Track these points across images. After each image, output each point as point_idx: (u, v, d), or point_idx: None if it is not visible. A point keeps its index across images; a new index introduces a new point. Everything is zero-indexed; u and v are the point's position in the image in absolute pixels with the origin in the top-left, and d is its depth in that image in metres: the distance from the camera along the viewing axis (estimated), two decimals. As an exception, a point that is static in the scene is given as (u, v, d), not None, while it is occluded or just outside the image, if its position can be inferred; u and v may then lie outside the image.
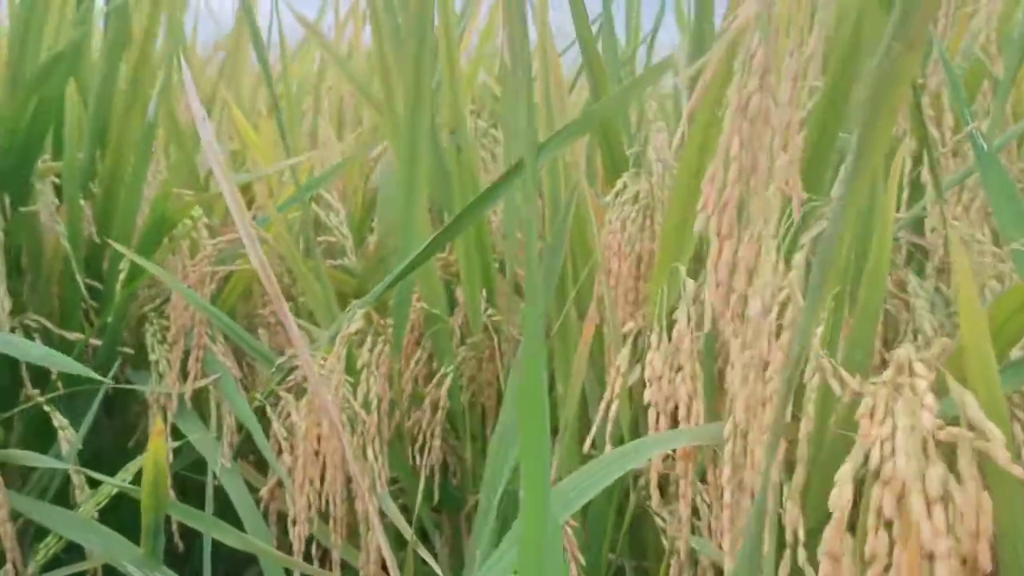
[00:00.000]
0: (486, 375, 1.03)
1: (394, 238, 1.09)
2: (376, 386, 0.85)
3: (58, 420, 0.91)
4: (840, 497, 0.47)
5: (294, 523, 0.84)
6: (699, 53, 1.04)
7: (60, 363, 0.82)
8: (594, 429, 0.66)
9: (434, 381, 0.92)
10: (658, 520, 0.74)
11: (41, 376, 0.98)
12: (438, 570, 0.76)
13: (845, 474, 0.49)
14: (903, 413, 0.51)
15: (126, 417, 1.08)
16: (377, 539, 0.82)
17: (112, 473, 0.89)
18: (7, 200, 0.97)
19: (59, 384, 0.97)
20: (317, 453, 0.82)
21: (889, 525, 0.48)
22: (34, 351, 0.85)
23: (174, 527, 0.94)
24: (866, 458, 0.47)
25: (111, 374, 0.94)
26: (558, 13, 0.92)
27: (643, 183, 0.93)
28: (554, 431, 0.78)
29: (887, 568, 0.48)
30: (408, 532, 0.80)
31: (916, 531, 0.46)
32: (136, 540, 0.82)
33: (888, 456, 0.50)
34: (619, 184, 0.93)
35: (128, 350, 1.04)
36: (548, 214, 0.86)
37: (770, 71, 0.33)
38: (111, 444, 1.06)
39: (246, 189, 1.17)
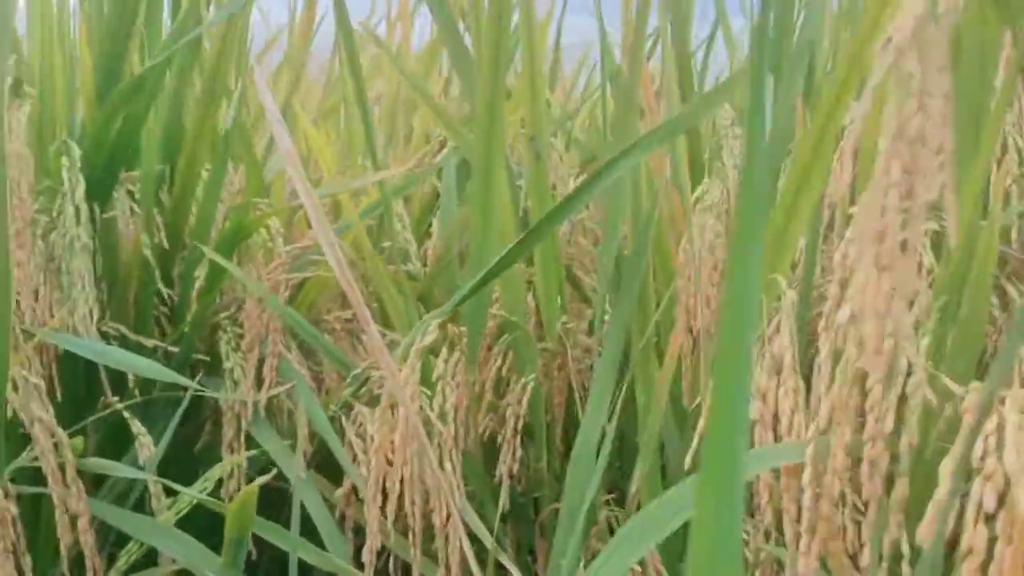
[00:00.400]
0: (556, 382, 1.02)
1: (457, 244, 1.10)
2: (452, 397, 0.84)
3: (136, 427, 0.91)
4: (940, 493, 0.47)
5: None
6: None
7: (150, 370, 0.83)
8: (695, 443, 0.65)
9: (516, 389, 0.92)
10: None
11: (117, 384, 0.99)
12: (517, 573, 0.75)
13: (945, 469, 0.49)
14: (1012, 409, 0.50)
15: (195, 424, 1.08)
16: (458, 550, 0.82)
17: (182, 480, 0.89)
18: (96, 209, 0.98)
19: (136, 392, 0.98)
20: (391, 463, 0.82)
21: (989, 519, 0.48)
22: (133, 360, 0.86)
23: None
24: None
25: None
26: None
27: (721, 190, 0.93)
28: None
29: (985, 564, 0.48)
30: (490, 541, 0.79)
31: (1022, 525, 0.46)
32: (208, 545, 0.82)
33: (992, 451, 0.49)
34: (699, 191, 0.92)
35: (202, 357, 1.04)
36: (631, 221, 0.85)
37: (930, 93, 0.32)
38: (179, 451, 1.07)
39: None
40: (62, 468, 0.81)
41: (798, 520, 0.57)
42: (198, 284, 1.04)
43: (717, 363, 0.43)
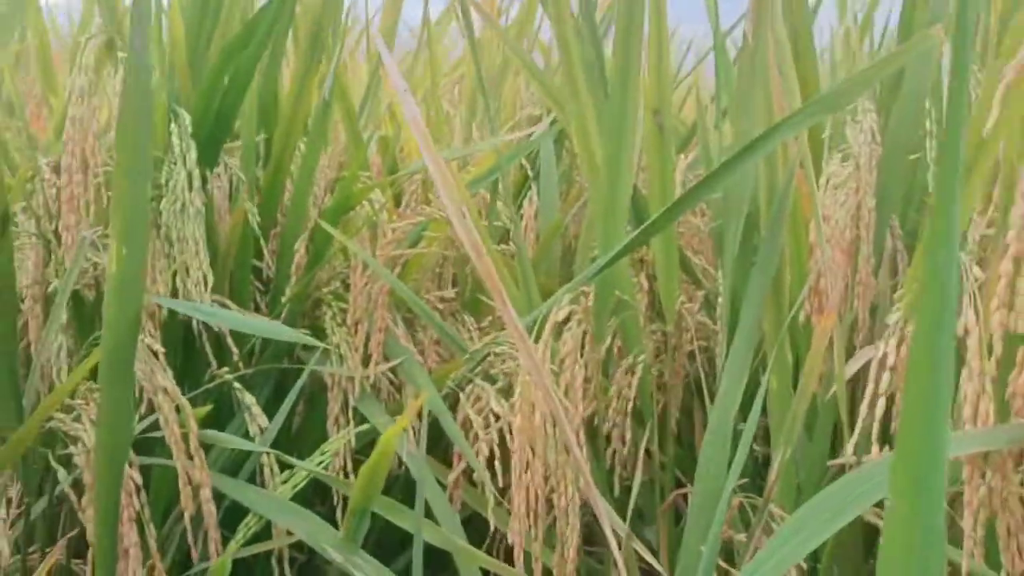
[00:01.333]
0: (668, 365, 1.00)
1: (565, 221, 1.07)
2: (580, 375, 0.82)
3: (248, 399, 0.90)
4: None
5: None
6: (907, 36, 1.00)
7: (280, 332, 0.82)
8: (857, 429, 0.62)
9: (624, 370, 0.90)
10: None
11: (219, 357, 0.98)
12: (658, 566, 0.73)
13: None
14: None
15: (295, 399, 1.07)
16: (577, 535, 0.80)
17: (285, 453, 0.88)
18: (207, 174, 0.96)
19: (239, 365, 0.97)
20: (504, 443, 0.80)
21: None
22: (259, 323, 0.85)
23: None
24: None
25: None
26: None
27: (850, 167, 0.90)
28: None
29: None
30: (623, 528, 0.77)
31: None
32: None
33: None
34: (828, 168, 0.90)
35: (304, 332, 1.02)
36: (764, 201, 0.82)
37: None
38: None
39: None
40: (184, 439, 0.80)
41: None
42: (296, 258, 1.03)
43: (915, 342, 0.41)
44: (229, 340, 0.96)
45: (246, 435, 0.90)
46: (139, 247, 0.62)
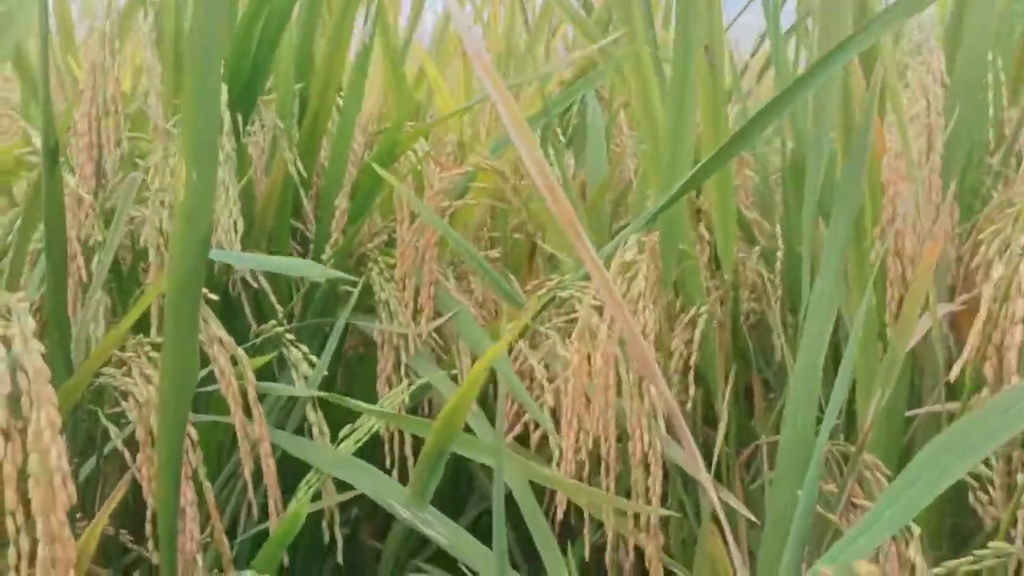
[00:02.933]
0: (721, 318, 0.97)
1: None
2: (652, 318, 0.79)
3: (297, 352, 0.86)
4: None
5: (557, 464, 0.79)
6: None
7: (324, 272, 0.78)
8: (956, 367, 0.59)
9: (685, 323, 0.87)
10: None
11: (262, 313, 0.94)
12: (746, 512, 0.70)
13: None
14: None
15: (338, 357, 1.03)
16: (659, 483, 0.77)
17: (329, 417, 0.85)
18: (240, 120, 0.92)
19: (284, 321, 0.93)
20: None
21: None
22: (301, 264, 0.81)
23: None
24: None
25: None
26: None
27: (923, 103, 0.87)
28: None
29: None
30: (708, 478, 0.73)
31: None
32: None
33: None
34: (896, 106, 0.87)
35: (349, 288, 0.99)
36: (841, 138, 0.79)
37: None
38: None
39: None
40: (242, 393, 0.76)
41: None
42: (337, 214, 0.99)
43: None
44: (272, 298, 0.92)
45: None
46: (209, 172, 0.58)
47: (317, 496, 0.82)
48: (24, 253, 0.67)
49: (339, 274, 0.83)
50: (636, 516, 0.79)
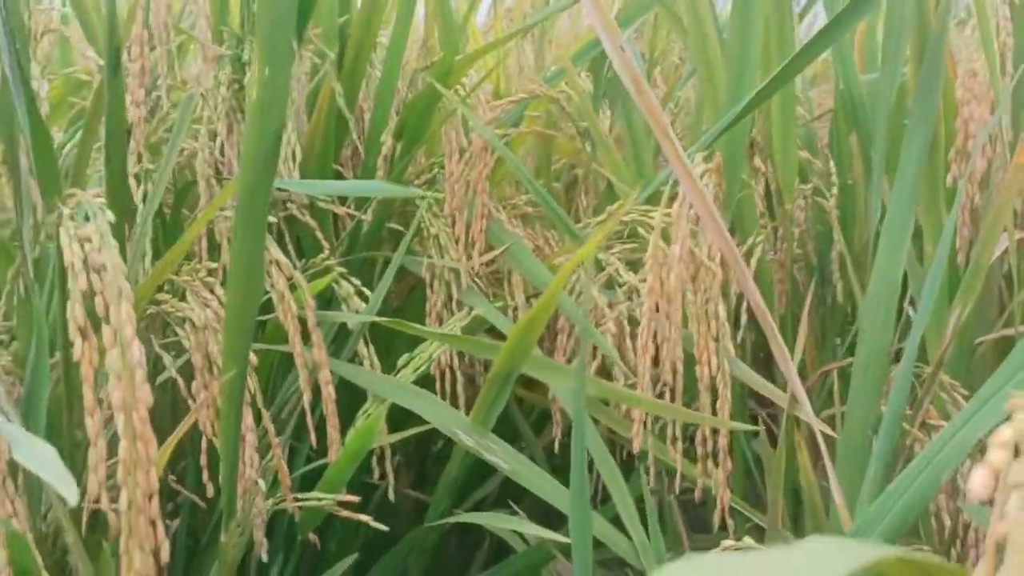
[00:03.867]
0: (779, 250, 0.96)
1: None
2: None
3: (346, 288, 0.84)
4: None
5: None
6: None
7: (387, 189, 0.77)
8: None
9: (745, 253, 0.85)
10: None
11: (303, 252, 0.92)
12: (824, 427, 0.68)
13: None
14: None
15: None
16: (728, 405, 0.75)
17: (381, 353, 0.83)
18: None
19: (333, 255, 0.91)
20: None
21: None
22: (364, 184, 0.79)
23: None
24: None
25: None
26: None
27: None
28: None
29: None
30: (782, 399, 0.72)
31: None
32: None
33: None
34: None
35: (395, 226, 0.97)
36: (913, 44, 0.77)
37: None
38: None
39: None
40: (300, 320, 0.74)
41: None
42: (384, 150, 0.97)
43: None
44: (319, 233, 0.91)
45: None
46: (283, 69, 0.56)
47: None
48: (84, 169, 0.65)
49: (414, 191, 0.82)
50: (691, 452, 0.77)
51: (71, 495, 0.35)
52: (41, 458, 0.37)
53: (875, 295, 0.71)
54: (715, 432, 0.75)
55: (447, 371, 0.88)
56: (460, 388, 0.88)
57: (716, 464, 0.76)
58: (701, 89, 0.92)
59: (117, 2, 0.69)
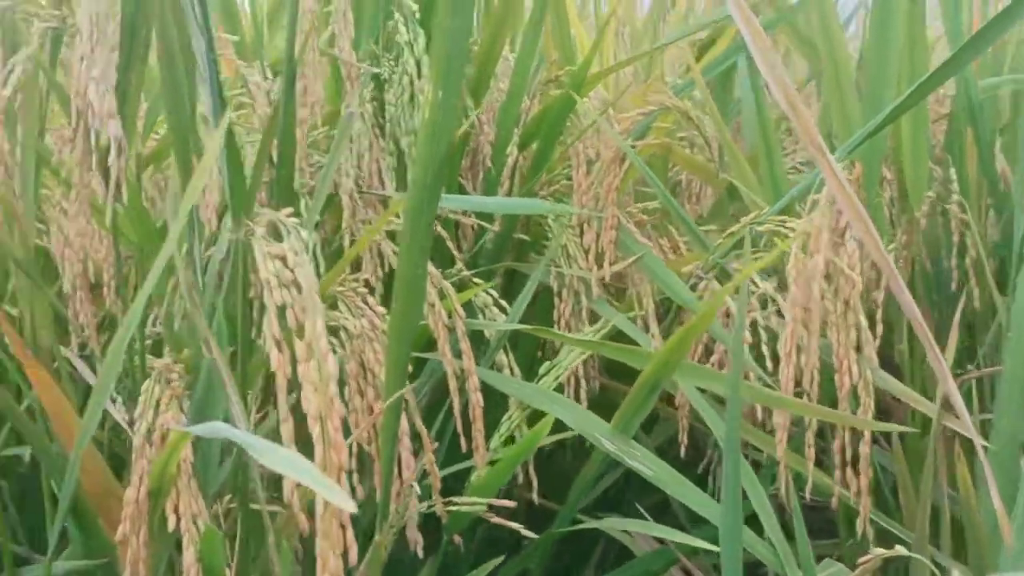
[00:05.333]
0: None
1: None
2: (856, 251, 0.78)
3: (483, 298, 0.86)
4: None
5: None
6: None
7: (546, 208, 0.80)
8: None
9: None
10: None
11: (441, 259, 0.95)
12: (975, 435, 0.68)
13: None
14: None
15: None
16: (870, 410, 0.76)
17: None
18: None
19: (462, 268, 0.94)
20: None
21: None
22: (529, 204, 0.84)
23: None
24: None
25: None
26: None
27: None
28: None
29: None
30: (930, 408, 0.72)
31: None
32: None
33: None
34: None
35: (525, 237, 0.99)
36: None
37: None
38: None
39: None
40: (449, 329, 0.77)
41: None
42: (510, 161, 0.99)
43: None
44: (450, 244, 0.93)
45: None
46: (455, 91, 0.58)
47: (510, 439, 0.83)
48: (256, 187, 0.69)
49: (568, 208, 0.84)
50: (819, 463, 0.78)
51: (346, 504, 0.38)
52: (299, 468, 0.40)
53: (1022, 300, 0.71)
54: (855, 440, 0.76)
55: (576, 379, 0.90)
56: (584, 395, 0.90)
57: (856, 472, 0.77)
58: (828, 97, 0.92)
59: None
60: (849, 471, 0.77)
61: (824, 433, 0.85)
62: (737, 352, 0.64)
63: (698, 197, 1.20)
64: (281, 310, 0.55)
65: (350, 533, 0.53)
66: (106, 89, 0.65)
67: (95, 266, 0.80)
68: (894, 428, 0.76)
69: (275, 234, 0.57)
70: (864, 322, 0.76)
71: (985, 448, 0.66)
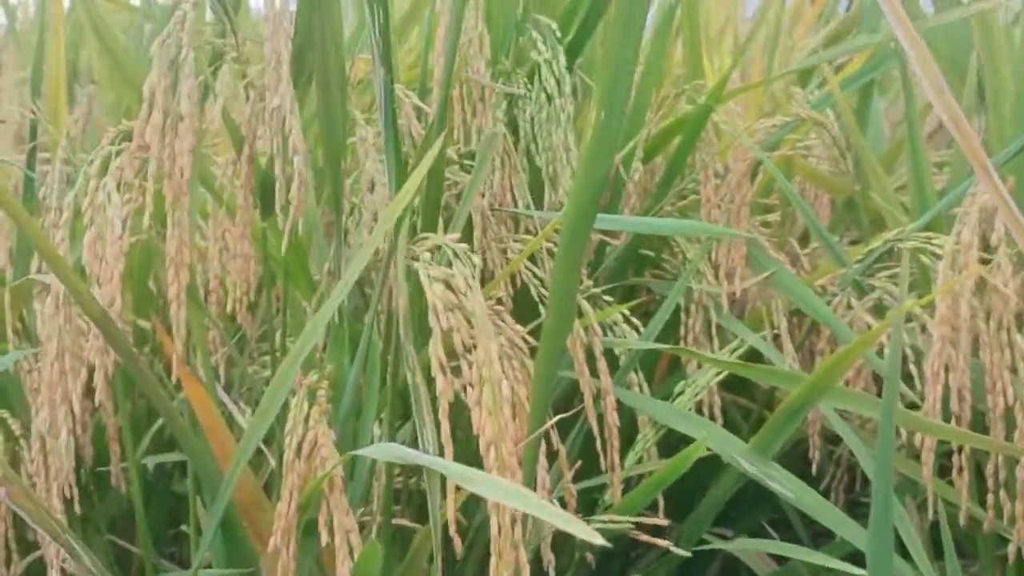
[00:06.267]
0: None
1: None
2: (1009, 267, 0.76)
3: (616, 312, 0.85)
4: None
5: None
6: None
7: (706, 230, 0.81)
8: None
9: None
10: None
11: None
12: None
13: None
14: None
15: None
16: None
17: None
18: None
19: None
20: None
21: None
22: (688, 225, 0.85)
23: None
24: None
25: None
26: None
27: None
28: None
29: None
30: None
31: None
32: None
33: None
34: None
35: (648, 252, 0.99)
36: None
37: None
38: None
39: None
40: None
41: None
42: (637, 176, 0.98)
43: None
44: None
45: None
46: (619, 113, 0.58)
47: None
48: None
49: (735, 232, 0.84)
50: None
51: (594, 537, 0.37)
52: (511, 494, 0.40)
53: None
54: (1012, 465, 0.74)
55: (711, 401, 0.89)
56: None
57: (1012, 497, 0.74)
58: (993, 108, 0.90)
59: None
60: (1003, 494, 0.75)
61: (978, 454, 0.83)
62: (892, 379, 0.62)
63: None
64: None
65: (523, 554, 0.54)
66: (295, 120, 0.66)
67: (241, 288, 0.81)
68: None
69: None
70: (1020, 341, 0.74)
71: None
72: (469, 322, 0.56)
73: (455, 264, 0.56)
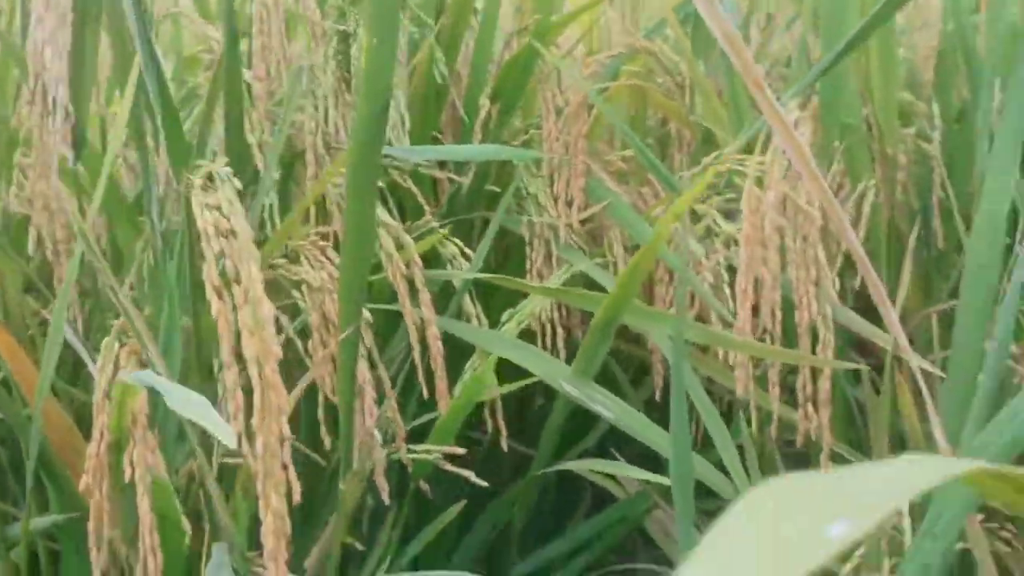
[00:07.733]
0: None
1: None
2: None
3: (451, 248, 0.87)
4: None
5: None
6: None
7: (500, 153, 0.81)
8: None
9: (857, 197, 0.85)
10: None
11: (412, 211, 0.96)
12: (931, 366, 0.68)
13: None
14: None
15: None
16: (831, 349, 0.76)
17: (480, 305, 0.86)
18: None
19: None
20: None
21: None
22: (480, 150, 0.84)
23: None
24: None
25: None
26: None
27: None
28: None
29: None
30: (886, 340, 0.72)
31: None
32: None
33: None
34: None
35: (495, 188, 0.99)
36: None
37: None
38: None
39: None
40: (408, 280, 0.78)
41: None
42: (482, 112, 0.99)
43: None
44: (420, 197, 0.94)
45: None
46: (390, 38, 0.59)
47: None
48: (206, 142, 0.70)
49: (523, 152, 0.84)
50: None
51: (230, 438, 0.39)
52: (197, 408, 0.41)
53: (980, 231, 0.70)
54: (816, 377, 0.76)
55: (548, 326, 0.90)
56: (560, 343, 0.91)
57: (817, 409, 0.77)
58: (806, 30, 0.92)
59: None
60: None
61: (796, 369, 0.86)
62: (681, 290, 0.64)
63: (689, 146, 1.20)
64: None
65: (292, 472, 0.55)
66: (58, 52, 0.66)
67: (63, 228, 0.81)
68: (843, 365, 0.76)
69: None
70: (823, 258, 0.76)
71: (935, 381, 0.66)
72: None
73: (220, 189, 0.56)
